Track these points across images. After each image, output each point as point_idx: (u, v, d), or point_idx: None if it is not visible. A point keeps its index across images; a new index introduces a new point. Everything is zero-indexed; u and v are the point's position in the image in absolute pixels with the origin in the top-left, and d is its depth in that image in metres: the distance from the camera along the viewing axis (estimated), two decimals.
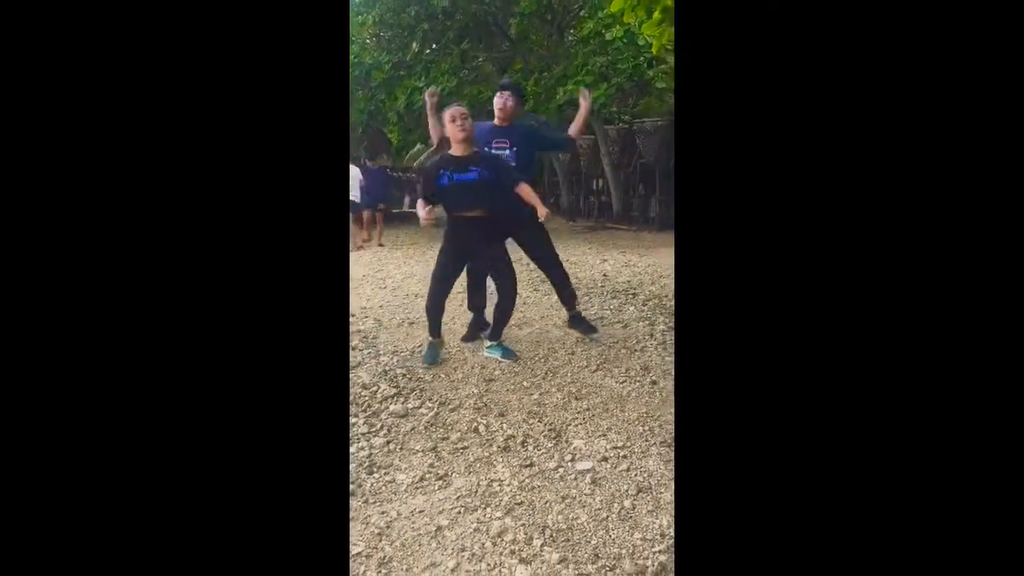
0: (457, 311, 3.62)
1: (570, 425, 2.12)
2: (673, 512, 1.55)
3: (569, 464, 1.83)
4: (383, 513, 1.59)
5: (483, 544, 1.44)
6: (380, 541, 1.46)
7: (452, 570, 1.35)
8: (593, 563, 1.36)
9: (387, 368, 2.77)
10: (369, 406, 2.33)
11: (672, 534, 1.46)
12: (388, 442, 2.02)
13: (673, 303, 4.06)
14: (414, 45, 10.29)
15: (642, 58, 8.46)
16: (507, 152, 2.97)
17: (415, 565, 1.37)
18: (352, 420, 2.18)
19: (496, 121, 3.04)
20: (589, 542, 1.44)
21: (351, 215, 7.65)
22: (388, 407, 2.31)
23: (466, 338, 3.17)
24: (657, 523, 1.51)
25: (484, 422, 2.15)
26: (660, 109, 11.30)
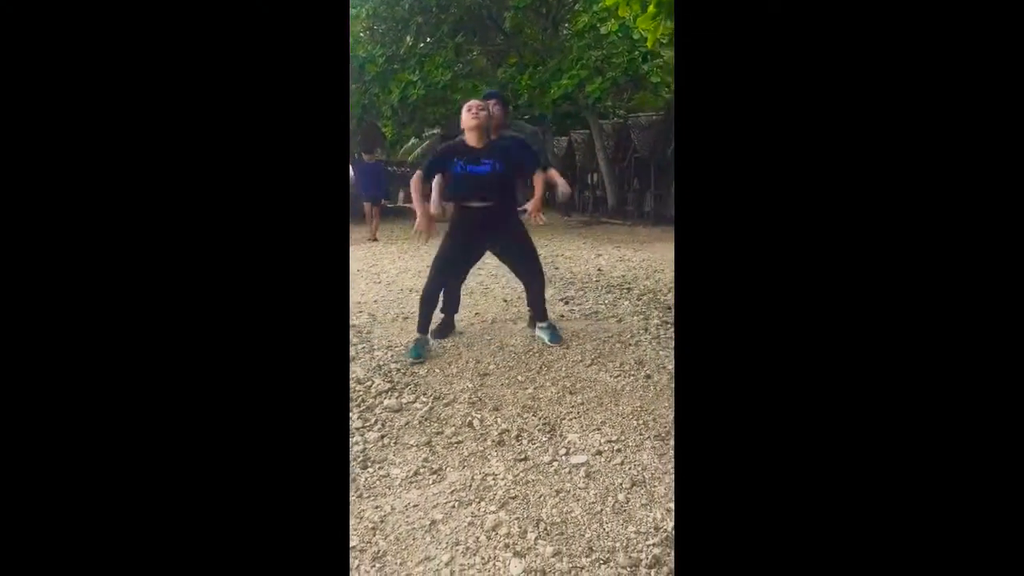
0: (466, 300, 3.62)
1: (564, 419, 2.12)
2: (667, 505, 1.56)
3: (563, 458, 1.83)
4: (377, 507, 1.58)
5: (477, 538, 1.44)
6: (374, 535, 1.46)
7: (446, 564, 1.35)
8: (587, 556, 1.36)
9: (381, 363, 2.77)
10: (363, 401, 2.33)
11: (666, 527, 1.46)
12: (382, 437, 2.02)
13: (668, 297, 4.07)
14: (408, 39, 10.25)
15: (637, 52, 8.47)
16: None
17: (409, 559, 1.37)
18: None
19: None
20: (583, 535, 1.44)
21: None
22: (382, 402, 2.31)
23: (436, 334, 3.10)
24: (651, 516, 1.52)
25: (478, 416, 2.15)
26: (655, 103, 11.30)
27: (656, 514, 1.52)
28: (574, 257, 6.40)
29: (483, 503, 1.59)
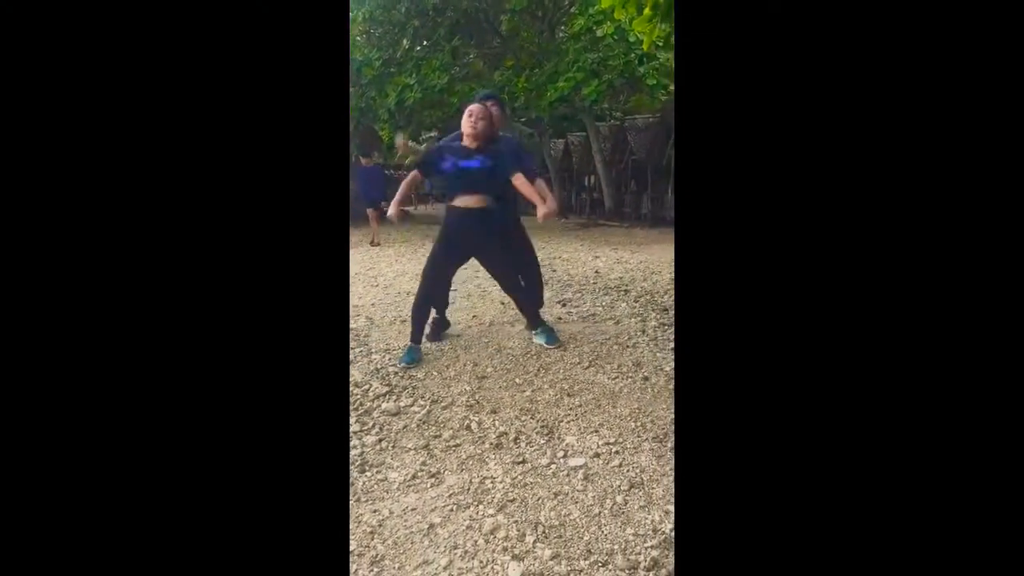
0: (463, 303, 3.62)
1: (562, 421, 2.12)
2: (665, 507, 1.56)
3: (561, 460, 1.83)
4: (375, 512, 1.58)
5: (475, 541, 1.44)
6: (372, 539, 1.46)
7: (444, 568, 1.35)
8: (585, 559, 1.36)
9: (379, 366, 2.76)
10: (361, 404, 2.32)
11: (664, 529, 1.46)
12: (380, 440, 2.01)
13: (665, 299, 4.08)
14: (405, 42, 10.27)
15: (633, 55, 8.48)
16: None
17: (407, 563, 1.37)
18: None
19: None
20: (581, 538, 1.44)
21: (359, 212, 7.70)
22: (380, 405, 2.31)
23: (431, 337, 3.12)
24: (649, 518, 1.52)
25: (476, 419, 2.15)
26: (651, 106, 11.32)
27: (654, 516, 1.52)
28: (571, 259, 6.41)
29: (481, 506, 1.59)
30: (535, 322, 3.04)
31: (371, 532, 1.49)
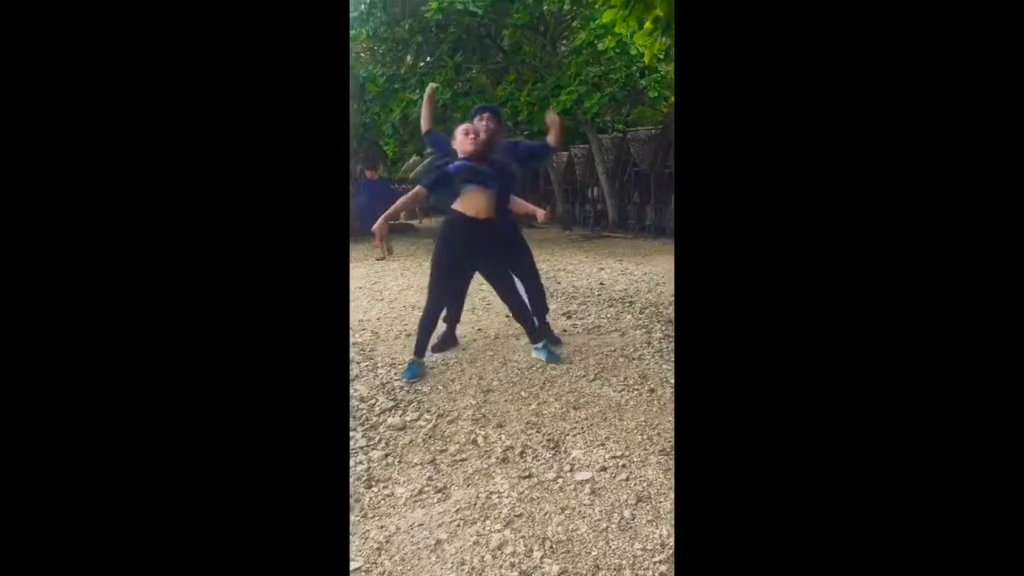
0: (468, 316, 3.62)
1: (568, 435, 2.11)
2: (672, 521, 1.55)
3: (568, 474, 1.83)
4: (382, 527, 1.58)
5: (483, 557, 1.43)
6: (379, 556, 1.45)
7: None
8: (593, 574, 1.35)
9: (384, 381, 2.76)
10: (367, 419, 2.32)
11: (672, 544, 1.45)
12: (386, 455, 2.01)
13: (670, 311, 4.07)
14: (408, 58, 10.38)
15: (634, 68, 8.55)
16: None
17: None
18: (350, 433, 2.17)
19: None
20: (589, 553, 1.43)
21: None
22: (386, 420, 2.31)
23: (436, 348, 3.14)
24: (657, 533, 1.51)
25: (482, 433, 2.15)
26: (653, 118, 11.38)
27: (662, 531, 1.51)
28: (576, 271, 6.41)
29: (488, 521, 1.59)
30: (535, 336, 3.03)
31: (378, 548, 1.48)
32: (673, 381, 2.61)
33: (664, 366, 2.83)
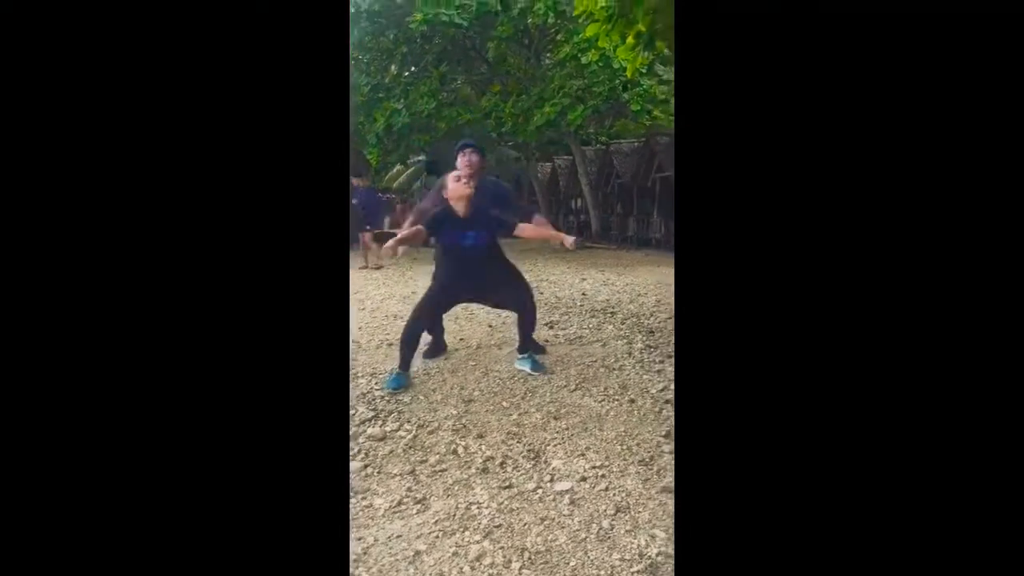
0: (450, 326, 3.61)
1: (549, 445, 2.12)
2: (650, 531, 1.56)
3: (548, 485, 1.83)
4: (360, 539, 1.56)
5: (461, 568, 1.43)
6: (358, 568, 1.44)
7: None
8: None
9: (365, 391, 2.75)
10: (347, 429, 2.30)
11: (650, 554, 1.46)
12: (366, 466, 1.99)
13: (651, 321, 4.11)
14: (393, 68, 10.40)
15: (617, 81, 8.67)
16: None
17: None
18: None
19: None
20: (568, 564, 1.44)
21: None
22: (366, 430, 2.29)
23: (427, 354, 3.20)
24: (635, 543, 1.51)
25: (463, 444, 2.14)
26: (636, 130, 11.52)
27: (640, 541, 1.52)
28: (558, 282, 6.44)
29: (467, 532, 1.58)
30: (524, 346, 3.04)
31: (356, 560, 1.47)
32: (653, 392, 2.63)
33: (644, 376, 2.86)
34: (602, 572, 1.40)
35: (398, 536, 1.57)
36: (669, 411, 2.41)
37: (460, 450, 2.09)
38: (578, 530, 1.58)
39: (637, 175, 10.88)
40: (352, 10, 9.13)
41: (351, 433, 2.27)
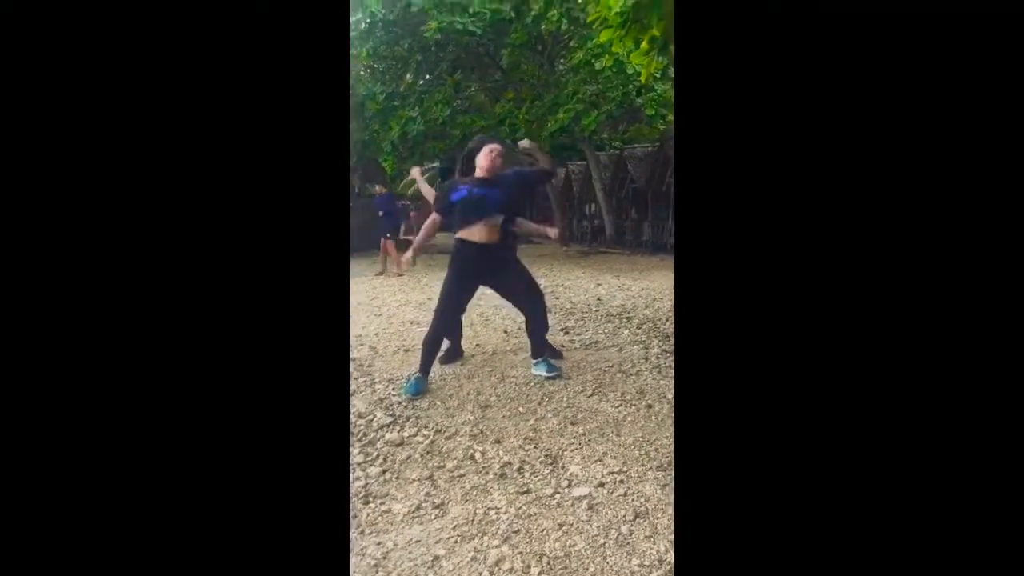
0: (466, 332, 3.63)
1: (566, 451, 2.11)
2: (670, 537, 1.55)
3: (566, 490, 1.82)
4: (379, 544, 1.57)
5: (480, 573, 1.43)
6: (377, 573, 1.45)
7: None
8: None
9: (382, 396, 2.76)
10: (365, 435, 2.32)
11: (670, 560, 1.45)
12: (384, 471, 2.01)
13: (667, 326, 4.08)
14: (408, 76, 10.49)
15: (631, 86, 8.66)
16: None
17: None
18: (348, 449, 2.17)
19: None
20: (587, 569, 1.43)
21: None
22: (383, 436, 2.30)
23: (443, 360, 3.20)
24: (654, 549, 1.51)
25: (480, 449, 2.15)
26: (650, 135, 11.49)
27: (660, 546, 1.51)
28: (573, 287, 6.43)
29: (486, 537, 1.58)
30: (538, 351, 3.04)
31: (375, 565, 1.48)
32: (670, 397, 2.61)
33: (661, 382, 2.84)
34: None
35: (417, 541, 1.58)
36: None
37: (477, 455, 2.10)
38: (596, 535, 1.57)
39: (651, 180, 10.85)
40: (367, 20, 9.23)
41: (369, 439, 2.28)
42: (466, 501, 1.79)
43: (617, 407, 2.53)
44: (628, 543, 1.54)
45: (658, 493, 1.79)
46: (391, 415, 2.51)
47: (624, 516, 1.66)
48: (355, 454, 2.14)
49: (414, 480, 1.94)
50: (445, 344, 3.16)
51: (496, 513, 1.71)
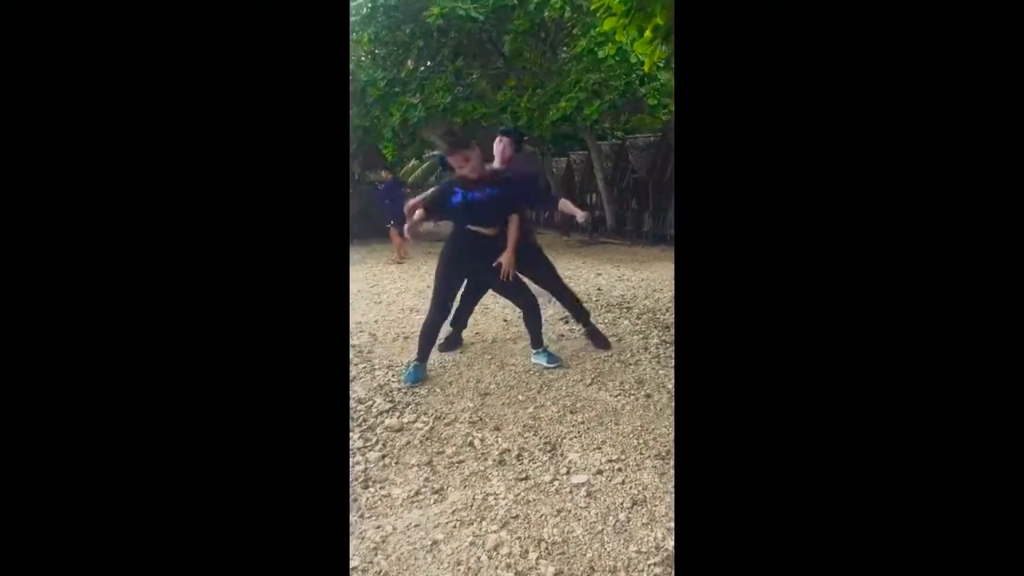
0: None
1: (565, 438, 2.12)
2: (667, 525, 1.56)
3: (564, 477, 1.84)
4: (378, 528, 1.59)
5: (479, 558, 1.44)
6: (376, 556, 1.46)
7: None
8: None
9: (382, 383, 2.77)
10: (364, 420, 2.33)
11: (667, 547, 1.46)
12: (383, 456, 2.02)
13: (667, 317, 4.09)
14: (409, 62, 10.41)
15: (634, 75, 8.60)
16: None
17: None
18: (348, 434, 2.18)
19: (497, 164, 3.14)
20: (584, 555, 1.45)
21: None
22: (383, 421, 2.31)
23: (443, 347, 3.21)
24: (652, 536, 1.52)
25: (479, 436, 2.16)
26: (652, 125, 11.44)
27: (657, 533, 1.53)
28: (573, 276, 6.42)
29: (484, 523, 1.60)
30: (538, 342, 3.05)
31: (374, 548, 1.49)
32: (669, 387, 2.62)
33: (660, 371, 2.85)
34: (619, 564, 1.41)
35: (416, 525, 1.59)
36: None
37: (477, 442, 2.11)
38: (594, 522, 1.58)
39: (653, 170, 10.81)
40: (369, 5, 9.15)
41: (369, 424, 2.29)
42: (465, 487, 1.80)
43: (616, 396, 2.54)
44: (626, 530, 1.55)
45: (656, 481, 1.80)
46: (391, 401, 2.52)
47: (622, 504, 1.68)
48: (355, 439, 2.15)
49: (413, 465, 1.95)
50: (447, 331, 3.16)
51: (495, 499, 1.72)
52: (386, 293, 5.44)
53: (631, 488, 1.76)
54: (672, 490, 1.74)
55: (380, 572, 1.40)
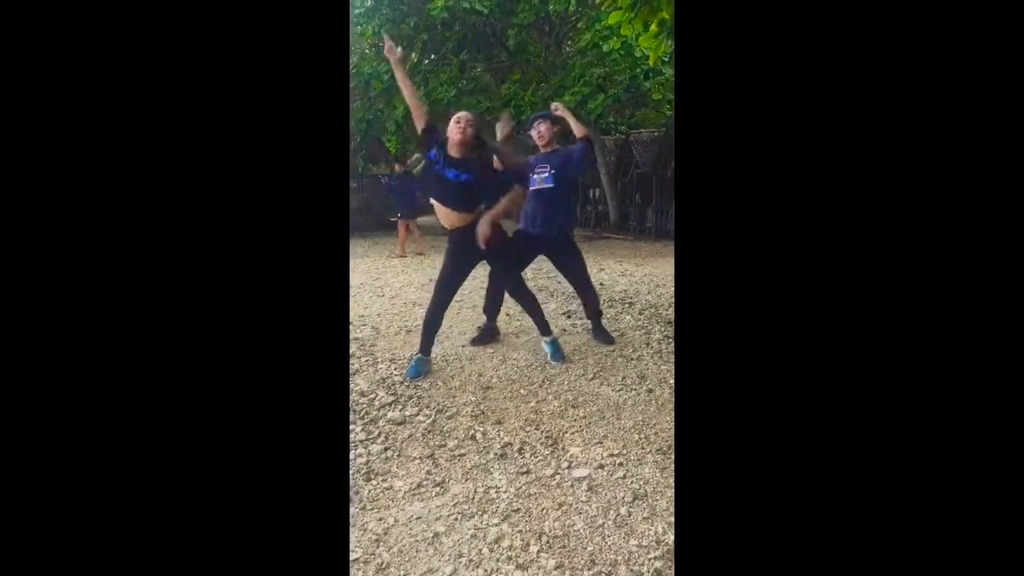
0: (454, 318, 3.65)
1: (567, 433, 2.13)
2: (668, 519, 1.57)
3: (565, 471, 1.84)
4: (380, 520, 1.59)
5: (480, 550, 1.45)
6: (378, 547, 1.47)
7: None
8: (589, 569, 1.37)
9: (384, 376, 2.78)
10: (367, 413, 2.34)
11: (668, 541, 1.47)
12: (386, 449, 2.03)
13: (669, 312, 4.09)
14: (413, 56, 10.38)
15: (639, 70, 8.58)
16: (546, 175, 3.18)
17: (412, 571, 1.38)
18: (350, 427, 2.19)
19: (541, 149, 3.26)
20: (585, 548, 1.45)
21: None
22: (385, 414, 2.32)
23: (475, 341, 3.26)
24: (652, 530, 1.52)
25: (481, 429, 2.17)
26: (656, 120, 11.40)
27: (658, 528, 1.53)
28: None
29: (486, 516, 1.60)
30: (545, 330, 3.04)
31: (376, 540, 1.50)
32: (671, 382, 2.62)
33: (662, 367, 2.85)
34: (619, 557, 1.41)
35: (418, 517, 1.60)
36: None
37: (478, 436, 2.12)
38: (595, 516, 1.59)
39: (656, 165, 10.78)
40: None
41: (371, 417, 2.30)
42: (467, 480, 1.81)
43: (618, 391, 2.54)
44: (626, 524, 1.55)
45: (657, 476, 1.80)
46: (393, 394, 2.53)
47: (623, 498, 1.68)
48: (358, 432, 2.16)
49: (415, 458, 1.96)
50: (484, 324, 3.28)
51: (496, 492, 1.73)
52: (389, 287, 5.44)
53: (632, 482, 1.77)
54: (673, 484, 1.74)
55: (382, 564, 1.41)
